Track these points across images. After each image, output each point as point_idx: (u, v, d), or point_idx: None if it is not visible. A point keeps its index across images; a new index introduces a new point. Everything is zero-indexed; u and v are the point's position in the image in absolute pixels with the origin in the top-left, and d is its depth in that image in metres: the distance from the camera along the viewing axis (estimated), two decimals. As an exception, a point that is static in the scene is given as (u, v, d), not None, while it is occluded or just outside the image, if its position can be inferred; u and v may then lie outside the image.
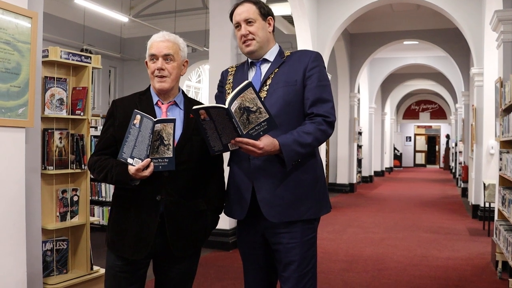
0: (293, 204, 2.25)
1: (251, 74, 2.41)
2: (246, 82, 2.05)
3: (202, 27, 11.90)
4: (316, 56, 2.37)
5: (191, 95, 15.23)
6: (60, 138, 3.63)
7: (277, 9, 10.07)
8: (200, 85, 15.71)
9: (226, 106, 1.97)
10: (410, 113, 27.25)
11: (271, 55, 2.40)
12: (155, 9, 13.41)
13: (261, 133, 2.09)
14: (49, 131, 3.59)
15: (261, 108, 2.06)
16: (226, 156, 2.38)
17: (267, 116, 2.08)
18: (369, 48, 12.86)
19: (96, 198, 6.47)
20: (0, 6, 2.64)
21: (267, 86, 2.31)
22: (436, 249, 6.15)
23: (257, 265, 2.40)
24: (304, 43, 9.08)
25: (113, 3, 12.41)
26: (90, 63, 3.79)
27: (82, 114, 3.72)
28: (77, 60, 3.71)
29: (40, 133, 3.35)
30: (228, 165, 2.42)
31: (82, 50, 12.39)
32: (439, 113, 26.41)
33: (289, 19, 10.81)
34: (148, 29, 11.58)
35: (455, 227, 7.85)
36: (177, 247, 2.22)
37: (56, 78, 3.63)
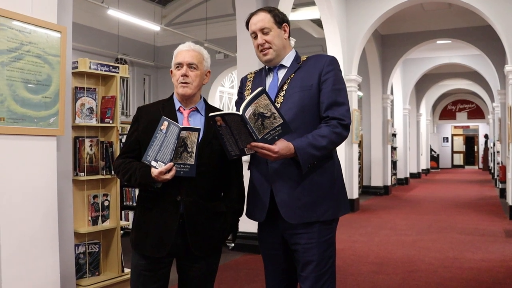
0: (311, 205, 2.30)
1: (269, 80, 2.48)
2: (259, 89, 2.12)
3: (234, 33, 11.93)
4: (331, 60, 2.42)
5: (224, 100, 15.41)
6: (91, 145, 3.80)
7: (306, 13, 10.11)
8: (233, 91, 15.86)
9: (241, 113, 2.05)
10: (446, 114, 26.77)
11: (287, 60, 2.46)
12: (187, 17, 13.66)
13: (276, 137, 2.16)
14: (80, 139, 3.76)
15: (275, 113, 2.13)
16: (245, 159, 2.46)
17: (282, 121, 2.15)
18: (401, 48, 12.74)
19: (130, 203, 6.64)
20: (31, 22, 2.79)
21: (284, 91, 2.37)
22: (469, 251, 6.06)
23: (277, 266, 2.46)
24: (334, 46, 9.09)
25: (146, 12, 12.72)
26: (118, 72, 3.95)
27: (111, 122, 3.88)
28: (105, 70, 3.87)
29: (71, 141, 3.51)
30: (248, 169, 2.50)
31: (116, 59, 12.74)
32: (477, 113, 25.85)
33: (318, 22, 10.83)
34: (181, 37, 11.82)
35: (491, 229, 7.69)
36: (196, 247, 2.31)
37: (86, 88, 3.80)
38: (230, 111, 2.09)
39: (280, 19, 2.44)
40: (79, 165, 3.74)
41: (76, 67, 3.71)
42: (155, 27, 11.52)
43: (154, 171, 2.18)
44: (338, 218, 2.45)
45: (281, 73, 2.45)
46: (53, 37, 2.92)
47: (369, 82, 12.70)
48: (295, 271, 2.43)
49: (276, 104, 2.31)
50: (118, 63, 12.89)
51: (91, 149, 3.80)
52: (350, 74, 9.38)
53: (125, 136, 6.70)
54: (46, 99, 2.89)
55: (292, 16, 9.59)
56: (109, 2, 9.64)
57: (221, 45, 12.36)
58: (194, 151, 2.20)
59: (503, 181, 11.36)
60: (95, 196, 3.86)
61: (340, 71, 2.45)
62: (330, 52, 9.13)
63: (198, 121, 2.40)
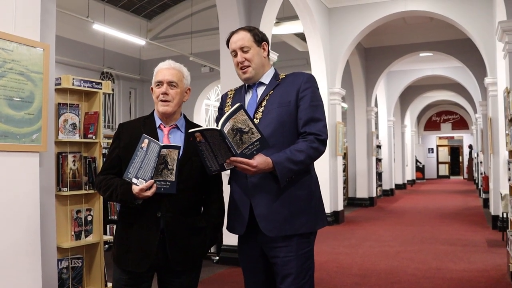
0: (289, 219, 2.35)
1: (248, 97, 2.54)
2: (237, 105, 2.19)
3: (219, 47, 12.12)
4: (308, 78, 2.49)
5: (210, 113, 15.46)
6: (74, 160, 3.83)
7: (290, 27, 10.24)
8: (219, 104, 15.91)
9: (219, 128, 2.11)
10: (431, 125, 27.08)
11: (266, 78, 2.53)
12: (172, 31, 13.75)
13: (254, 152, 2.22)
14: (63, 154, 3.79)
15: (253, 128, 2.19)
16: (225, 174, 2.51)
17: (259, 136, 2.21)
18: (384, 61, 12.92)
19: (115, 217, 6.63)
20: (14, 40, 2.82)
21: (263, 108, 2.43)
22: (452, 261, 6.14)
23: (257, 278, 2.50)
24: (317, 59, 9.23)
25: (132, 26, 12.78)
26: (101, 88, 4.00)
27: (94, 137, 3.92)
28: (88, 87, 3.92)
29: (54, 156, 3.53)
30: (228, 183, 2.55)
31: (102, 73, 12.76)
32: (461, 124, 26.19)
33: (302, 36, 10.96)
34: (166, 51, 11.89)
35: (473, 239, 7.80)
36: (177, 261, 2.35)
37: (69, 104, 3.84)
38: (209, 127, 2.15)
39: (260, 38, 2.51)
40: (62, 180, 3.76)
41: (59, 84, 3.75)
42: (140, 41, 11.57)
43: (135, 188, 2.22)
44: (316, 231, 2.50)
45: (260, 90, 2.52)
46: (36, 55, 2.96)
47: (353, 95, 12.84)
48: (274, 283, 2.47)
49: (255, 120, 2.37)
50: (103, 76, 12.91)
51: (74, 165, 3.83)
52: (333, 87, 9.50)
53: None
54: (29, 115, 2.91)
55: (276, 30, 9.70)
56: (94, 17, 9.71)
57: (207, 58, 12.44)
58: (175, 168, 2.25)
59: (487, 191, 11.51)
60: (78, 211, 3.89)
61: (318, 88, 2.52)
62: (314, 65, 9.26)
63: (178, 139, 2.45)
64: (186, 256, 2.38)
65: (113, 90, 13.46)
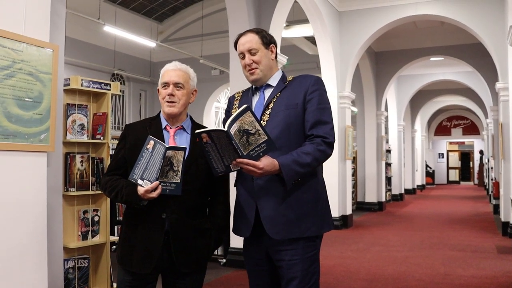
0: (295, 222, 2.34)
1: (255, 99, 2.53)
2: (244, 106, 2.18)
3: (229, 49, 12.14)
4: (316, 80, 2.48)
5: (220, 116, 15.48)
6: (81, 161, 3.85)
7: (300, 31, 10.23)
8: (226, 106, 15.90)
9: (226, 129, 2.10)
10: (441, 130, 26.90)
11: (274, 80, 2.52)
12: (183, 34, 13.79)
13: (261, 154, 2.21)
14: (71, 154, 3.81)
15: (259, 130, 2.18)
16: (232, 176, 2.51)
17: (266, 138, 2.19)
18: (395, 65, 12.86)
19: (123, 218, 6.65)
20: (23, 41, 2.84)
21: (270, 110, 2.43)
22: (460, 267, 6.08)
23: (262, 281, 2.49)
24: (327, 63, 9.20)
25: (143, 28, 12.84)
26: (109, 90, 4.02)
27: (102, 138, 3.94)
28: (97, 88, 3.94)
29: (62, 157, 3.55)
30: (234, 185, 2.55)
31: (113, 75, 12.82)
32: (472, 129, 25.99)
33: (312, 39, 10.95)
34: (177, 53, 11.93)
35: (483, 245, 7.72)
36: (181, 263, 2.35)
37: (78, 104, 3.86)
38: (215, 128, 2.15)
39: (268, 40, 2.50)
40: (69, 181, 3.78)
41: (68, 84, 3.78)
42: (151, 43, 11.62)
43: (140, 189, 2.22)
44: (322, 235, 2.49)
45: (268, 92, 2.51)
46: (45, 55, 2.97)
47: (363, 99, 12.79)
48: (279, 286, 2.46)
49: (262, 122, 2.36)
50: (114, 78, 12.98)
51: (82, 165, 3.85)
52: (343, 90, 9.47)
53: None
54: (37, 115, 2.93)
55: (286, 33, 9.70)
56: (105, 19, 9.76)
57: (217, 61, 12.47)
58: (180, 170, 2.24)
59: (497, 197, 11.40)
60: (85, 211, 3.90)
61: (325, 91, 2.50)
62: (324, 69, 9.24)
63: (184, 140, 2.45)
64: (191, 258, 2.37)
65: (123, 91, 13.54)
